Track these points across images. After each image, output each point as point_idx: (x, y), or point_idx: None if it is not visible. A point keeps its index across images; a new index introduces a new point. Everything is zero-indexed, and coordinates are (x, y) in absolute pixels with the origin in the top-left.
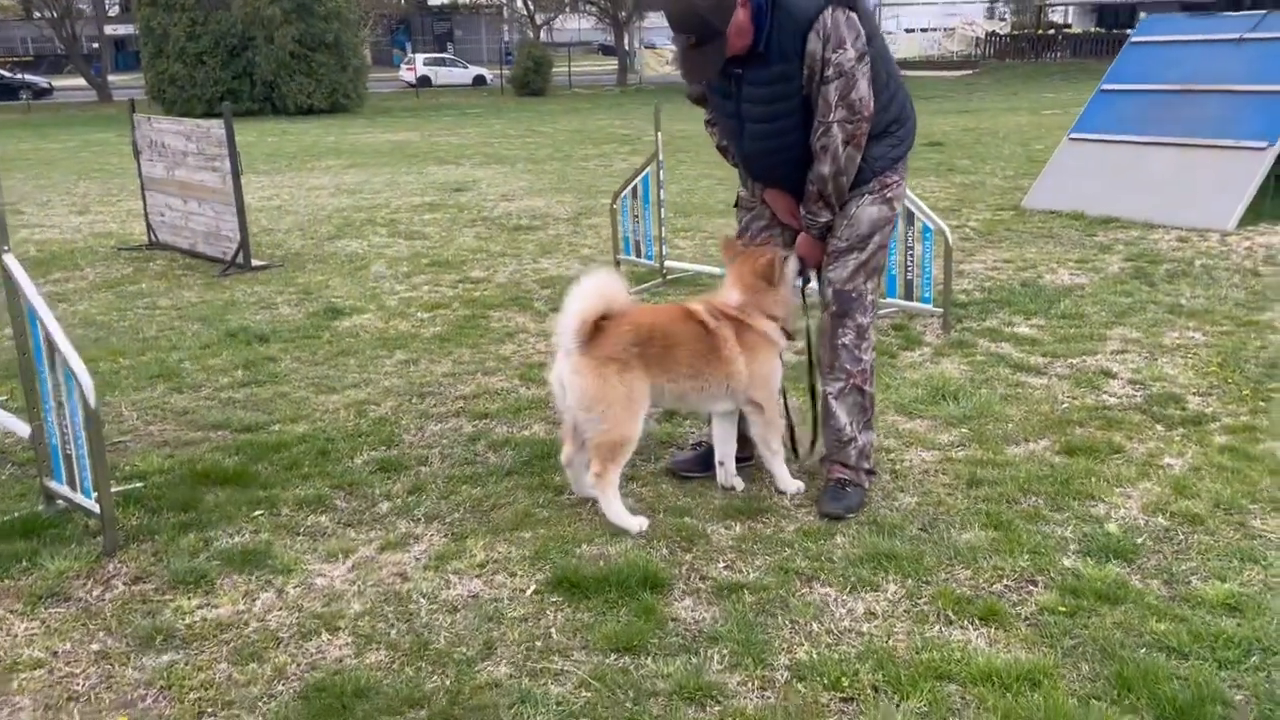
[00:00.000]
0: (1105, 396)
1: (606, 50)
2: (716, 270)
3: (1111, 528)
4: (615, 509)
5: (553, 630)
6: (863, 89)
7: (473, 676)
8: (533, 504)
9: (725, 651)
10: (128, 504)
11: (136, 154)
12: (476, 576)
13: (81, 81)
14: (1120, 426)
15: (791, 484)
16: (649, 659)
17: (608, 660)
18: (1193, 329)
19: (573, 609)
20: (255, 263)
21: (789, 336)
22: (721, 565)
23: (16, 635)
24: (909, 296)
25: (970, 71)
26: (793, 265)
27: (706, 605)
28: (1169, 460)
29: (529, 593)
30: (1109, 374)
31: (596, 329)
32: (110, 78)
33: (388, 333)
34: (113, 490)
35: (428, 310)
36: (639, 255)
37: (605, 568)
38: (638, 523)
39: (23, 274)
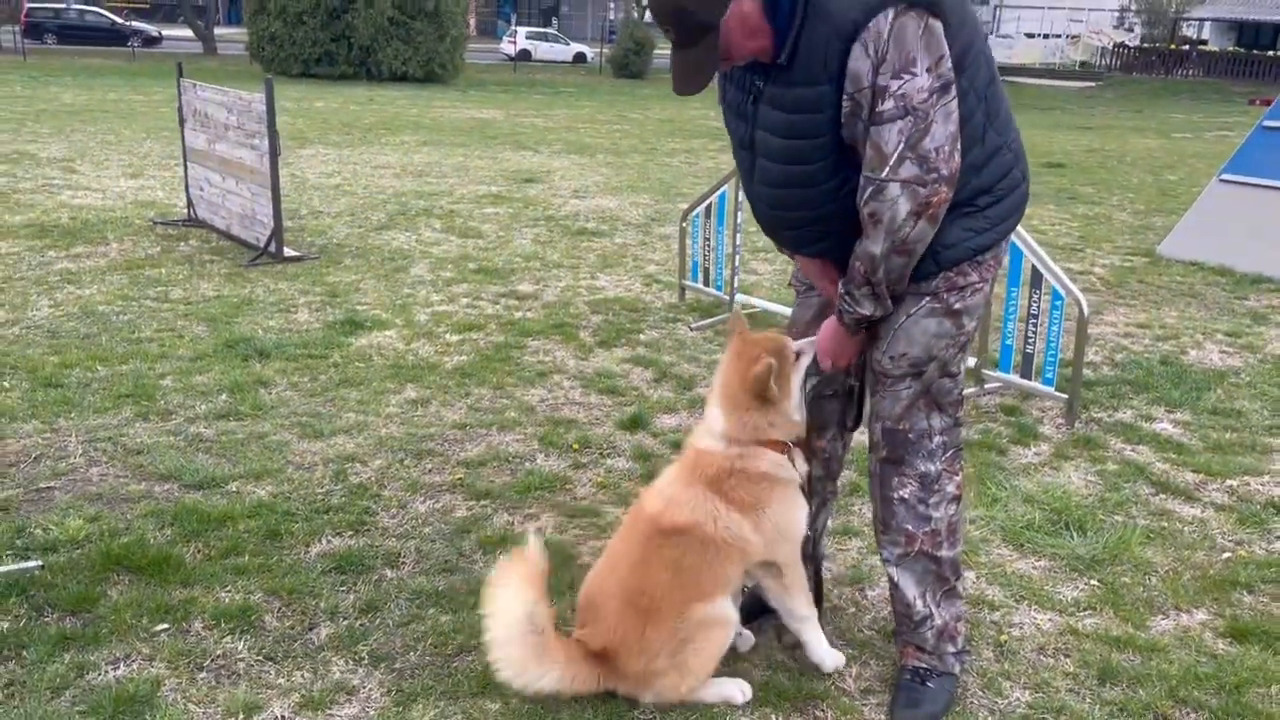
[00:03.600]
0: (1279, 544)
1: None
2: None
3: None
4: None
5: None
6: (942, 135)
7: None
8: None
9: None
10: (12, 593)
11: (181, 122)
12: None
13: (190, 32)
14: None
15: (831, 657)
16: None
17: None
18: None
19: None
20: (289, 252)
21: (808, 445)
22: None
23: None
24: (1026, 374)
25: (1092, 84)
26: (801, 364)
27: None
28: None
29: None
30: None
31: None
32: (220, 30)
33: (405, 359)
34: (4, 570)
35: (458, 332)
36: (707, 283)
37: None
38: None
39: None
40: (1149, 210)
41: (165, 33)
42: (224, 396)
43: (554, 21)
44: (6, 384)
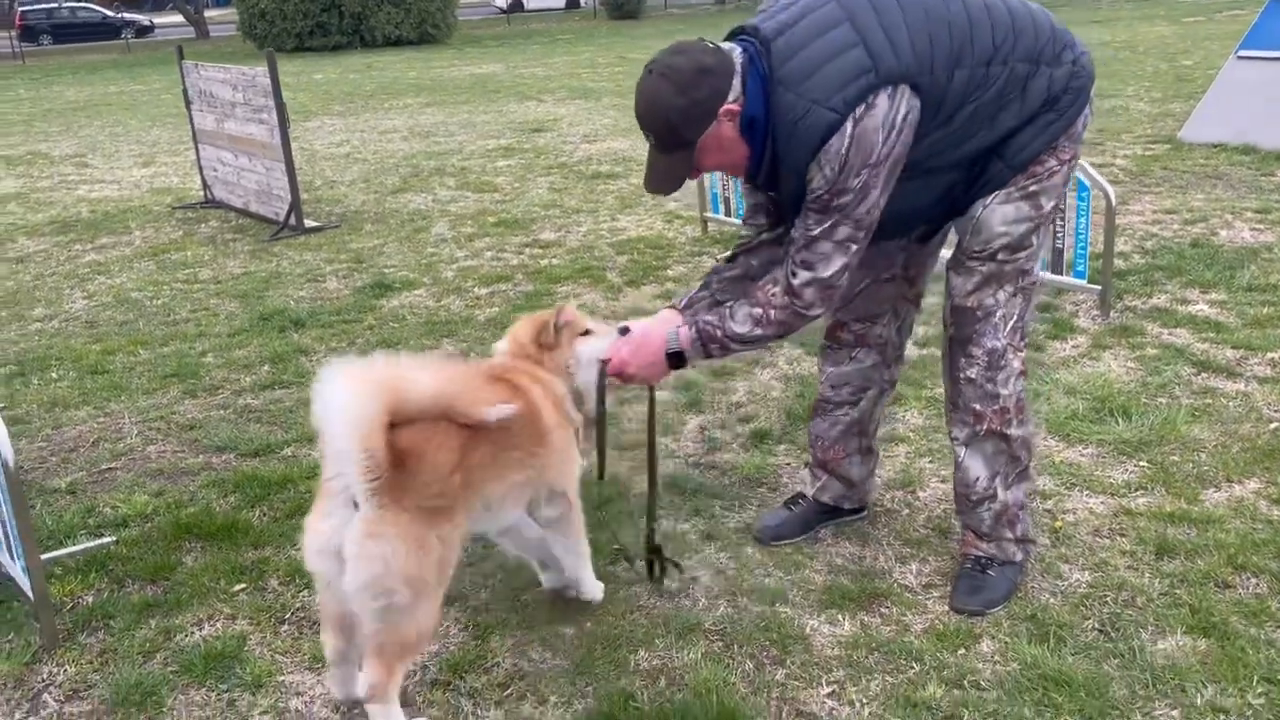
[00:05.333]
0: None
1: None
2: None
3: None
4: None
5: None
6: (870, 200)
7: None
8: None
9: None
10: (91, 569)
11: (188, 104)
12: (495, 702)
13: (180, 18)
14: None
15: (598, 588)
16: None
17: None
18: None
19: None
20: (309, 224)
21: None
22: (825, 691)
23: None
24: (1058, 269)
25: None
26: (588, 342)
27: None
28: None
29: None
30: None
31: (398, 454)
32: (210, 13)
33: (437, 315)
34: (77, 549)
35: (486, 285)
36: (728, 213)
37: (665, 696)
38: None
39: None
40: (1166, 98)
41: (156, 20)
42: (266, 368)
43: None
44: (55, 375)
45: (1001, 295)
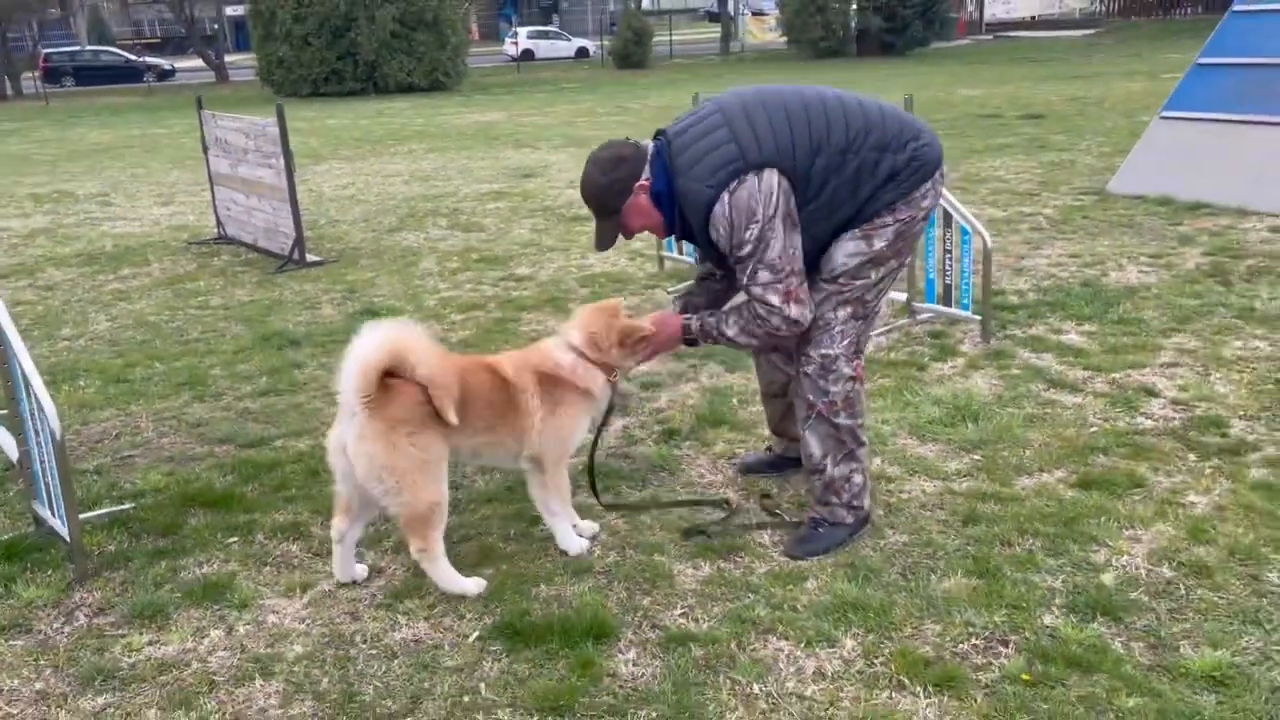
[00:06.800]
0: (1140, 419)
1: (712, 16)
2: None
3: (1106, 579)
4: (448, 576)
5: (483, 685)
6: (776, 249)
7: None
8: (503, 536)
9: (655, 716)
10: (114, 527)
11: (205, 149)
12: (424, 618)
13: (202, 63)
14: (1148, 455)
15: (576, 545)
16: None
17: None
18: (1260, 338)
19: (510, 659)
20: (311, 258)
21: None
22: (677, 612)
23: None
24: (948, 302)
25: (1092, 31)
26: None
27: (650, 659)
28: (1193, 498)
29: (471, 639)
30: (1151, 392)
31: (384, 387)
32: (230, 57)
33: None
34: (103, 512)
35: (462, 311)
36: (681, 253)
37: (554, 614)
38: (475, 585)
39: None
40: (1114, 152)
41: (177, 65)
42: (264, 379)
43: (555, 19)
44: (83, 383)
45: (841, 314)
